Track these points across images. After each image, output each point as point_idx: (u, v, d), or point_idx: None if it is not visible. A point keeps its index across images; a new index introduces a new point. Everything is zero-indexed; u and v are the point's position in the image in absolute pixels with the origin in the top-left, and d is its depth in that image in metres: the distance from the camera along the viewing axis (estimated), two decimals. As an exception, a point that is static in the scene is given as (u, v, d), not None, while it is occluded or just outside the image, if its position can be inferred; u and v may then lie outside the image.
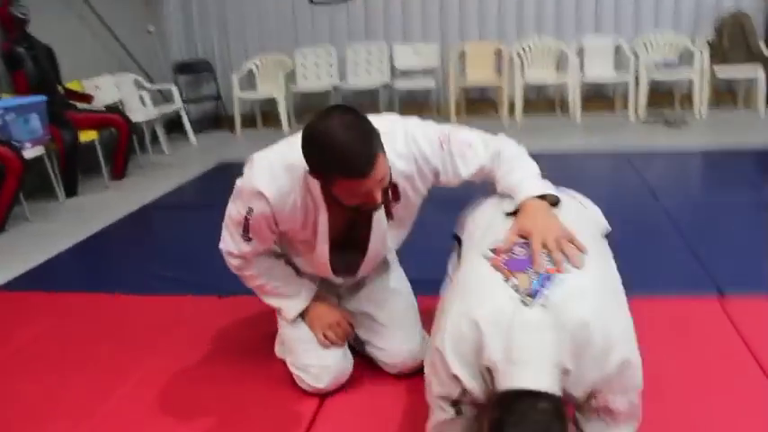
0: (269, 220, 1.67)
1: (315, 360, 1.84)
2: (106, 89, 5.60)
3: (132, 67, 6.14)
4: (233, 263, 1.83)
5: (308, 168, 1.55)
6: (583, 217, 1.65)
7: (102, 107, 4.98)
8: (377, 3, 6.24)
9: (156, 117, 5.81)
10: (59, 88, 4.83)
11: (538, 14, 5.96)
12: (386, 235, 1.78)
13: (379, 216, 1.70)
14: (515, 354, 1.23)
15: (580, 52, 5.85)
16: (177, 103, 6.17)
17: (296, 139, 1.59)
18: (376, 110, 5.93)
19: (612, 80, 5.83)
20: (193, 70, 6.77)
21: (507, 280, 1.34)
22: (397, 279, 2.01)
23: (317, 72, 6.44)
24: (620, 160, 4.45)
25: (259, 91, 6.48)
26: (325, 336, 1.85)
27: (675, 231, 3.02)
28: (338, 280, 1.90)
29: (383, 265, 1.98)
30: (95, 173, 4.91)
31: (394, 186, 1.68)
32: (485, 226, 1.60)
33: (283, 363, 1.98)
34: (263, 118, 6.64)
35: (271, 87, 6.39)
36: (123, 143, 4.96)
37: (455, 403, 1.35)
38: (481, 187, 1.80)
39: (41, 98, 4.30)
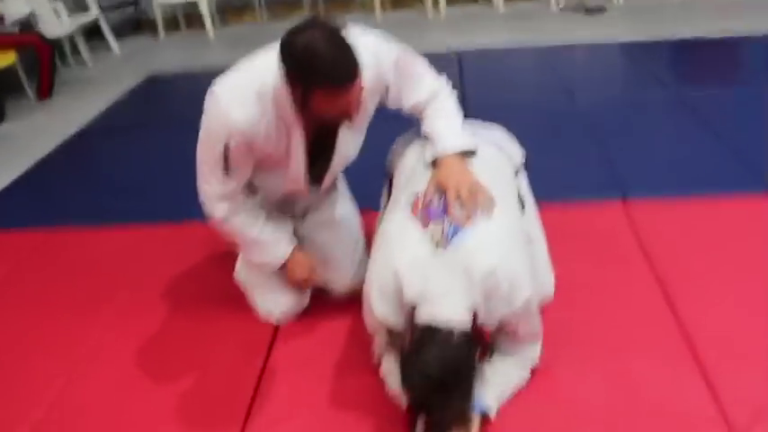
0: (246, 147, 1.70)
1: (272, 306, 2.09)
2: (14, 2, 5.35)
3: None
4: (218, 212, 1.85)
5: (279, 85, 1.58)
6: (496, 165, 1.86)
7: (15, 28, 4.79)
8: None
9: (75, 29, 5.62)
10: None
11: None
12: (350, 142, 1.87)
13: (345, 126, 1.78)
14: (430, 293, 1.48)
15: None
16: (93, 11, 5.96)
17: (258, 61, 1.67)
18: (300, 8, 5.92)
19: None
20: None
21: (422, 229, 1.57)
22: (346, 207, 2.18)
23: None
24: (538, 54, 4.56)
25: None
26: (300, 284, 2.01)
27: (587, 133, 3.20)
28: (303, 197, 2.00)
29: (333, 192, 2.13)
30: (21, 95, 4.82)
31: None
32: (409, 173, 1.82)
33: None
34: (186, 20, 6.48)
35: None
36: (46, 63, 4.86)
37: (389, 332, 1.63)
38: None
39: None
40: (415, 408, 1.58)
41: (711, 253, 2.24)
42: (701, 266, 2.18)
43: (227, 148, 1.69)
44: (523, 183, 2.00)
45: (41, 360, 2.11)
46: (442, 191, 1.66)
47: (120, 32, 6.50)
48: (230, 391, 1.87)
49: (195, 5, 6.09)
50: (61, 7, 5.58)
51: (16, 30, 4.82)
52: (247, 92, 1.65)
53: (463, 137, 1.83)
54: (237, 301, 2.16)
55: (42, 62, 4.84)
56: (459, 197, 1.62)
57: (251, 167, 1.80)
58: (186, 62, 5.41)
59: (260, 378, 1.91)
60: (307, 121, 1.69)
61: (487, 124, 2.07)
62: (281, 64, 1.53)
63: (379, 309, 1.56)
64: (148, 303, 2.31)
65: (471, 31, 5.37)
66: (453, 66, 4.34)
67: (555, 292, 2.01)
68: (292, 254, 1.96)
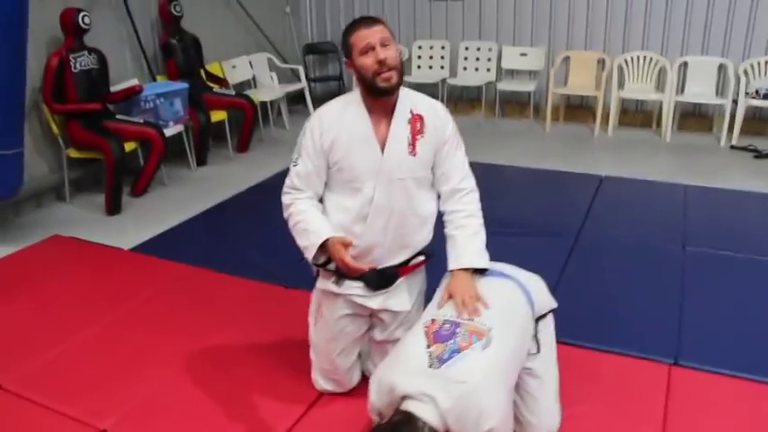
0: (316, 134, 2.16)
1: (322, 382, 2.50)
2: (241, 68, 6.49)
3: (268, 47, 6.96)
4: (286, 198, 2.25)
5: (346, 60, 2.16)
6: (509, 299, 2.15)
7: (232, 91, 5.79)
8: (491, 3, 6.59)
9: (281, 96, 6.60)
10: (202, 73, 5.72)
11: (646, 29, 6.07)
12: (402, 159, 2.17)
13: (395, 132, 2.16)
14: (415, 396, 1.82)
15: (683, 70, 5.95)
16: (303, 83, 6.95)
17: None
18: (478, 107, 6.42)
19: (710, 101, 5.88)
20: (321, 51, 7.50)
21: (429, 346, 1.93)
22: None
23: (431, 64, 6.96)
24: (678, 190, 4.57)
25: (376, 76, 7.09)
26: (346, 263, 2.12)
27: (677, 288, 3.23)
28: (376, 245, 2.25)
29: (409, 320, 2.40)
30: (223, 146, 5.79)
31: (421, 118, 2.18)
32: (438, 298, 2.19)
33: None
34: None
35: (387, 74, 7.00)
36: (248, 123, 5.79)
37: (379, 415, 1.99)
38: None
39: (184, 86, 5.19)
40: None
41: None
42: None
43: (303, 134, 2.21)
44: (547, 329, 2.27)
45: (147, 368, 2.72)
46: (451, 304, 2.06)
47: (322, 102, 7.45)
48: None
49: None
50: (275, 77, 6.60)
51: (233, 92, 5.79)
52: (335, 100, 2.27)
53: (479, 255, 2.20)
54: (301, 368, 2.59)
55: (246, 121, 5.78)
56: (462, 302, 2.01)
57: (322, 166, 2.20)
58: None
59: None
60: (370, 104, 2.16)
61: (528, 273, 2.33)
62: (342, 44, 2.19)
63: (374, 400, 1.95)
64: (237, 346, 2.85)
65: (630, 156, 5.48)
66: (589, 187, 4.56)
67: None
68: (330, 240, 2.13)
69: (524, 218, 4.12)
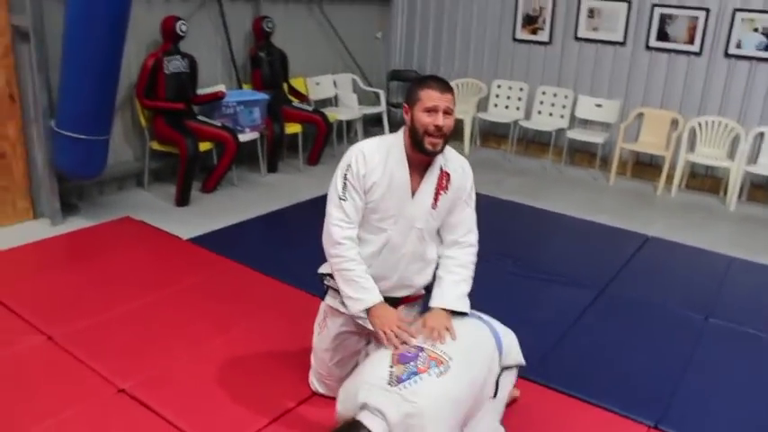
0: (361, 173, 2.27)
1: (316, 384, 2.74)
2: (325, 86, 6.89)
3: (354, 69, 7.34)
4: (335, 233, 2.30)
5: (398, 134, 2.33)
6: (478, 341, 2.35)
7: (310, 107, 6.18)
8: (572, 52, 6.72)
9: (359, 117, 6.94)
10: (285, 86, 6.13)
11: (725, 95, 6.04)
12: (427, 209, 2.35)
13: (427, 184, 2.34)
14: (369, 408, 2.06)
15: (758, 141, 5.88)
16: (382, 106, 7.28)
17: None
18: (548, 152, 6.54)
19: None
20: (405, 78, 7.81)
21: (391, 366, 2.14)
22: None
23: (507, 104, 7.14)
24: (722, 261, 4.52)
25: (453, 109, 7.34)
26: (387, 334, 2.24)
27: (685, 355, 3.26)
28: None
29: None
30: (295, 157, 6.17)
31: (448, 176, 2.36)
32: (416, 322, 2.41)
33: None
34: (456, 133, 7.49)
35: (464, 108, 7.24)
36: (320, 139, 6.15)
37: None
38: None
39: (265, 96, 5.60)
40: None
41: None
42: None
43: (347, 170, 2.29)
44: (507, 379, 2.45)
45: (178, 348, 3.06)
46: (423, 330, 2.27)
47: (399, 127, 7.76)
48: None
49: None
50: (355, 98, 6.95)
51: (310, 108, 6.17)
52: (375, 140, 2.39)
53: (460, 300, 2.40)
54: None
55: (318, 136, 6.14)
56: (432, 330, 2.23)
57: (362, 203, 2.31)
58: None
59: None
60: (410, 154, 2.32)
61: (504, 327, 2.52)
62: (406, 94, 2.34)
63: (341, 409, 2.22)
64: (254, 338, 3.15)
65: (686, 220, 5.44)
66: (632, 245, 4.62)
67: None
68: (378, 305, 2.31)
69: (556, 265, 4.24)
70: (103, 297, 3.49)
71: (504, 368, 2.44)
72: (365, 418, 2.04)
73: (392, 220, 2.37)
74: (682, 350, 3.34)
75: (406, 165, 2.34)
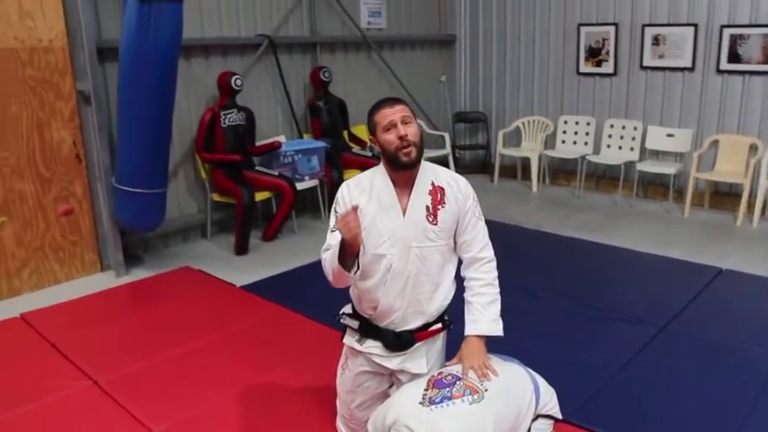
0: (348, 203, 2.28)
1: (348, 417, 2.68)
2: (389, 132, 6.93)
3: (419, 113, 7.39)
4: (323, 255, 2.37)
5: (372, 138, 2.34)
6: (509, 371, 2.32)
7: (369, 153, 6.24)
8: (640, 82, 6.50)
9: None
10: (345, 134, 6.24)
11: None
12: (421, 228, 2.30)
13: (415, 202, 2.29)
14: (397, 424, 2.06)
15: None
16: (447, 149, 7.28)
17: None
18: (616, 187, 6.30)
19: None
20: (470, 120, 7.80)
21: (427, 389, 2.16)
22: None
23: (575, 139, 6.96)
24: None
25: (520, 148, 7.25)
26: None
27: (748, 397, 3.00)
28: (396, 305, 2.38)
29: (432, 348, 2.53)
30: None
31: (442, 190, 2.32)
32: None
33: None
34: (523, 172, 7.39)
35: (531, 146, 7.13)
36: (381, 183, 6.17)
37: None
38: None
39: (322, 144, 5.72)
40: None
41: None
42: None
43: (336, 205, 2.35)
44: (538, 425, 2.36)
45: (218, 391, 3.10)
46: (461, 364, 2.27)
47: (469, 170, 7.75)
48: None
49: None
50: (419, 141, 6.95)
51: (369, 153, 6.24)
52: (360, 174, 2.43)
53: (493, 323, 2.34)
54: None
55: (380, 181, 6.16)
56: (471, 367, 2.23)
57: None
58: (501, 210, 6.23)
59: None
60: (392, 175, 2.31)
61: (546, 384, 2.45)
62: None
63: (371, 429, 2.24)
64: (289, 382, 3.14)
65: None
66: (703, 279, 4.33)
67: None
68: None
69: (614, 302, 4.03)
70: (152, 343, 3.60)
71: (540, 416, 2.37)
72: None
73: (388, 243, 2.32)
74: (747, 394, 3.05)
75: (391, 185, 2.33)
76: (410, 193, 2.34)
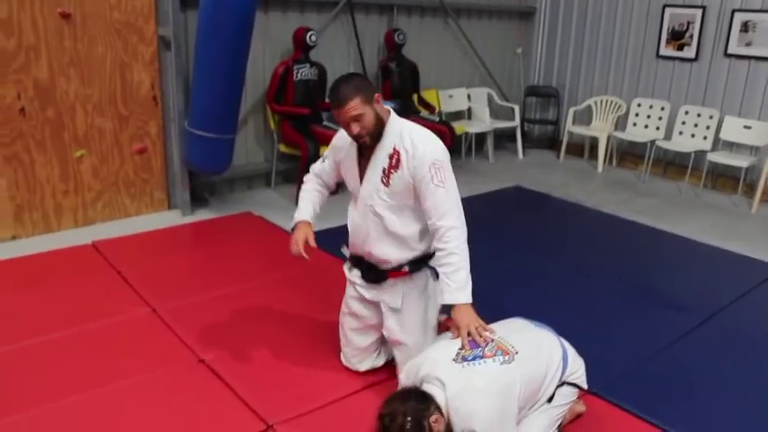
0: (337, 145, 2.70)
1: (345, 360, 2.92)
2: (458, 99, 6.99)
3: (491, 83, 7.37)
4: (306, 177, 2.88)
5: None
6: (539, 336, 2.44)
7: (436, 117, 6.28)
8: (722, 69, 6.29)
9: (490, 130, 6.95)
10: (414, 97, 6.29)
11: None
12: (375, 188, 2.51)
13: (373, 167, 2.50)
14: (431, 380, 2.18)
15: None
16: (516, 122, 7.25)
17: None
18: (684, 175, 6.15)
19: None
20: (542, 95, 7.71)
21: (461, 348, 2.28)
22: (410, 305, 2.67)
23: (646, 123, 6.81)
24: None
25: (590, 127, 7.14)
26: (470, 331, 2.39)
27: None
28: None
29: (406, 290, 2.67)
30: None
31: (398, 155, 2.43)
32: None
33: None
34: (590, 151, 7.29)
35: (601, 126, 7.03)
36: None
37: None
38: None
39: (390, 105, 5.77)
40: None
41: None
42: None
43: (330, 148, 2.75)
44: (566, 392, 2.46)
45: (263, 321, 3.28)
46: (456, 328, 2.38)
47: (537, 144, 7.71)
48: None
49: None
50: (487, 112, 6.96)
51: (437, 119, 6.28)
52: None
53: (459, 291, 2.41)
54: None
55: (443, 148, 6.21)
56: (468, 332, 2.32)
57: (331, 169, 2.78)
58: (563, 187, 6.20)
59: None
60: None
61: (576, 353, 2.54)
62: None
63: (403, 378, 2.38)
64: (327, 321, 3.29)
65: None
66: (754, 276, 4.25)
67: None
68: (297, 225, 2.73)
69: (663, 287, 4.01)
70: (209, 279, 3.81)
71: (566, 383, 2.46)
72: (428, 388, 2.17)
73: (353, 199, 2.64)
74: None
75: (356, 150, 2.58)
76: (371, 156, 2.53)
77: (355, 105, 2.38)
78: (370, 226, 2.59)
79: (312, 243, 2.65)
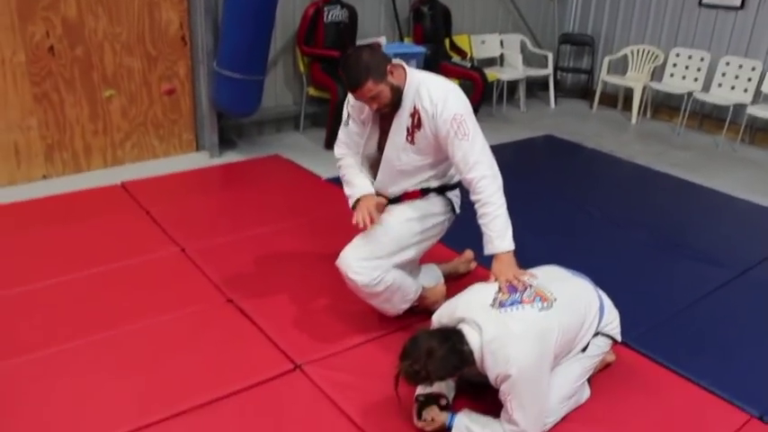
0: (357, 111, 2.63)
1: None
2: (490, 44, 6.84)
3: (524, 30, 7.17)
4: (336, 151, 2.77)
5: None
6: (578, 285, 2.44)
7: (468, 63, 6.14)
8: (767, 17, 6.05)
9: (522, 78, 6.80)
10: (446, 42, 6.16)
11: None
12: (401, 147, 2.54)
13: (396, 128, 2.52)
14: (469, 322, 2.16)
15: None
16: (548, 70, 7.07)
17: None
18: (722, 129, 5.98)
19: None
20: (577, 43, 7.49)
21: (498, 292, 2.26)
22: (401, 216, 2.67)
23: (684, 74, 6.60)
24: None
25: (625, 77, 6.95)
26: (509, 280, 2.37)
27: None
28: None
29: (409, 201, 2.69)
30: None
31: (419, 114, 2.44)
32: None
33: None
34: (624, 102, 7.11)
35: (637, 76, 6.83)
36: (476, 95, 6.07)
37: None
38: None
39: (422, 50, 5.65)
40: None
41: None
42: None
43: (347, 104, 2.67)
44: (600, 342, 2.45)
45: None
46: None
47: (570, 94, 7.54)
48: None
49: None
50: (520, 59, 6.80)
51: (468, 65, 6.14)
52: None
53: (500, 239, 2.42)
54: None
55: (475, 94, 6.07)
56: (508, 281, 2.31)
57: (358, 128, 2.67)
58: (596, 137, 6.07)
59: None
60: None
61: (612, 305, 2.53)
62: None
63: (437, 316, 2.35)
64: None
65: None
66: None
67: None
68: (361, 198, 2.65)
69: (697, 242, 3.92)
70: (236, 221, 3.82)
71: (600, 333, 2.45)
72: (465, 330, 2.15)
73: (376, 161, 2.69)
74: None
75: (374, 118, 2.61)
76: (393, 120, 2.54)
77: (369, 88, 2.38)
78: (393, 179, 2.67)
79: (376, 218, 2.62)
